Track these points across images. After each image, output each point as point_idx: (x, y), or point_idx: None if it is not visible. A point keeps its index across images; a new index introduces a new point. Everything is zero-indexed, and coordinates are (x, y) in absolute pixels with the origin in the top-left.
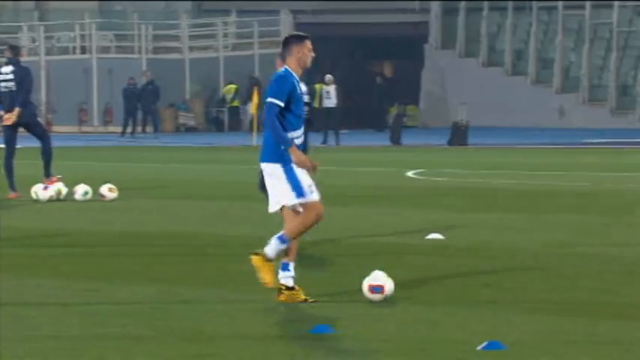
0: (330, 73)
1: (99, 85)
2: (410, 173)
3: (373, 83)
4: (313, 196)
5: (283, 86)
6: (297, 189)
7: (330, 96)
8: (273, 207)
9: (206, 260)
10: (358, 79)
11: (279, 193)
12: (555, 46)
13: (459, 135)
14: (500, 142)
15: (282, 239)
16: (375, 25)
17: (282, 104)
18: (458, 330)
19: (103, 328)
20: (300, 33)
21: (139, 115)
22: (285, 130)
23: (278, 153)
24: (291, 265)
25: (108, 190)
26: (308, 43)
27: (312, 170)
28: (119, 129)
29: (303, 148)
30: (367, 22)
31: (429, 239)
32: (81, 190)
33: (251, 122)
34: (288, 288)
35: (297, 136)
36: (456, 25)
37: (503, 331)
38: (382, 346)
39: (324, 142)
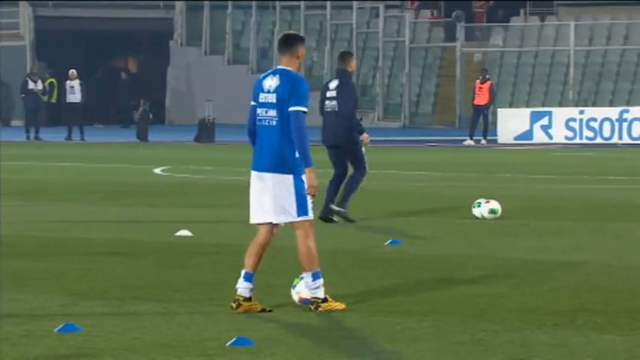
0: (74, 68)
1: None
2: (157, 170)
3: (118, 79)
4: (311, 214)
5: (307, 91)
6: (303, 207)
7: (74, 91)
8: (277, 219)
9: None
10: (102, 74)
11: (278, 208)
12: None
13: (205, 132)
14: (246, 139)
15: (315, 276)
16: (119, 20)
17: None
18: (208, 328)
19: None
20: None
21: None
22: None
23: (290, 164)
24: (253, 277)
25: None
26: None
27: (312, 196)
28: None
29: None
30: (111, 17)
31: (177, 236)
32: None
33: None
34: (246, 299)
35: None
36: (201, 22)
37: (252, 328)
38: (130, 344)
39: (69, 137)
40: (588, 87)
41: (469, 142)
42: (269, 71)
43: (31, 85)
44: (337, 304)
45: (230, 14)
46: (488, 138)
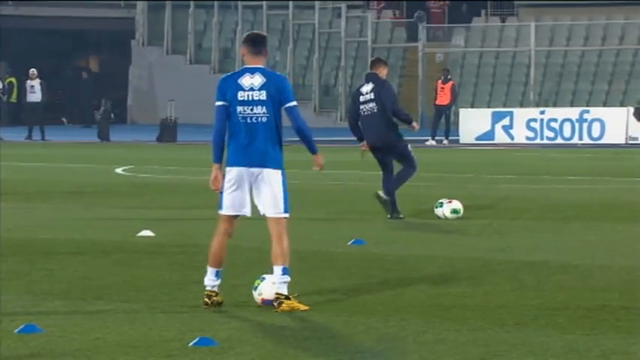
0: (34, 67)
1: None
2: (119, 170)
3: (79, 78)
4: (290, 212)
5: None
6: (286, 204)
7: (34, 90)
8: (266, 211)
9: None
10: (63, 74)
11: (267, 201)
12: None
13: (167, 131)
14: (209, 139)
15: (285, 271)
16: (80, 19)
17: None
18: (171, 328)
19: None
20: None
21: None
22: None
23: (278, 160)
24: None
25: None
26: None
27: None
28: None
29: None
30: (72, 16)
31: (140, 236)
32: None
33: None
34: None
35: None
36: (163, 21)
37: (215, 328)
38: (93, 345)
39: (29, 137)
40: (549, 87)
41: (431, 142)
42: (240, 70)
43: None
44: (300, 304)
45: (192, 14)
46: (450, 138)
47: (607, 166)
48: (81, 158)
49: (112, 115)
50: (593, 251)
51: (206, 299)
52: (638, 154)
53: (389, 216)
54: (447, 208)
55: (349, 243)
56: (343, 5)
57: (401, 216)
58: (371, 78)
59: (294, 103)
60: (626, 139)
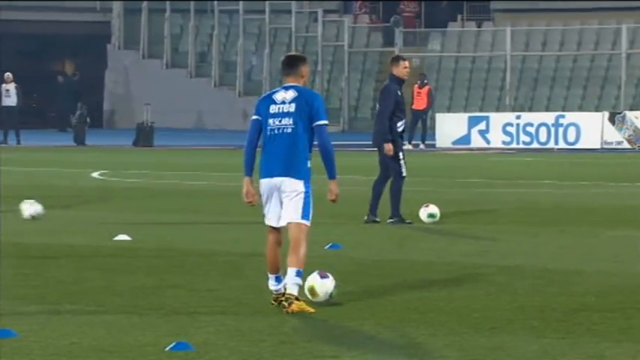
0: (10, 71)
1: None
2: (95, 174)
3: (55, 82)
4: (310, 221)
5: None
6: (307, 211)
7: (10, 94)
8: (282, 221)
9: None
10: (39, 78)
11: (286, 209)
12: (237, 50)
13: (144, 136)
14: (185, 143)
15: (299, 274)
16: (55, 23)
17: None
18: (147, 332)
19: None
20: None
21: None
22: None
23: (302, 171)
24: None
25: None
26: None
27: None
28: None
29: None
30: (48, 20)
31: (116, 240)
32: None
33: None
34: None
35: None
36: (139, 25)
37: (191, 332)
38: (68, 350)
39: (4, 141)
40: (524, 92)
41: (408, 146)
42: (277, 88)
43: None
44: (308, 307)
45: (168, 18)
46: (426, 142)
47: (583, 171)
48: (57, 162)
49: (88, 119)
50: (569, 255)
51: (273, 302)
52: (613, 158)
53: (365, 218)
54: (424, 213)
55: (326, 247)
56: (320, 10)
57: (377, 220)
58: (388, 78)
59: (324, 122)
60: (602, 143)
